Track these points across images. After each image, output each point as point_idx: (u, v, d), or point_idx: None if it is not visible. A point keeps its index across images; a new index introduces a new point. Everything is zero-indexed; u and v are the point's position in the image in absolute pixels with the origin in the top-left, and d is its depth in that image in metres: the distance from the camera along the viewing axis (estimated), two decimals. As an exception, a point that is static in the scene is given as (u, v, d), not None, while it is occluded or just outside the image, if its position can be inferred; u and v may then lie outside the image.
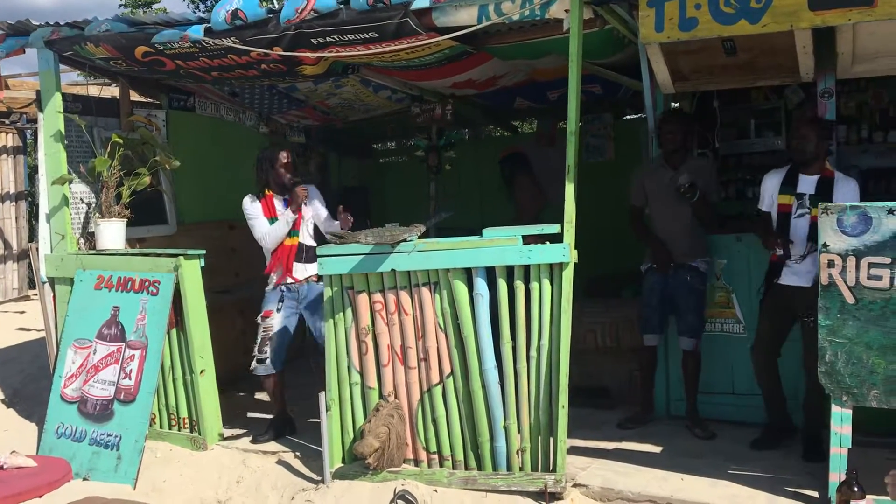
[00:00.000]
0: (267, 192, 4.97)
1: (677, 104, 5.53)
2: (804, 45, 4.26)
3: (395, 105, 6.83)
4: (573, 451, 4.22)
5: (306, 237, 4.98)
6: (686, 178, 4.59)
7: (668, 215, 4.82)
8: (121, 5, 15.82)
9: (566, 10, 3.99)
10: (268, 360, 4.85)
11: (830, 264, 3.42)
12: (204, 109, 6.46)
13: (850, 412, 3.50)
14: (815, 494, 3.71)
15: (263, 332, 4.87)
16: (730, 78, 4.82)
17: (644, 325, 4.92)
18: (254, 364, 4.88)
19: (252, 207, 4.93)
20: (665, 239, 4.82)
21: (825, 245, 3.43)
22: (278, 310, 4.90)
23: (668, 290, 4.82)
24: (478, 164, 7.82)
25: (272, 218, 4.90)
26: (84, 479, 4.60)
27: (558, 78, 5.72)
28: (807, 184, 4.25)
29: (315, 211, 5.01)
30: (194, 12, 4.62)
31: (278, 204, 4.94)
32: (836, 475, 3.51)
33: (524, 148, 7.24)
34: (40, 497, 3.03)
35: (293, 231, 4.92)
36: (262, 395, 5.96)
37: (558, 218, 3.97)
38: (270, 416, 5.11)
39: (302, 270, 4.93)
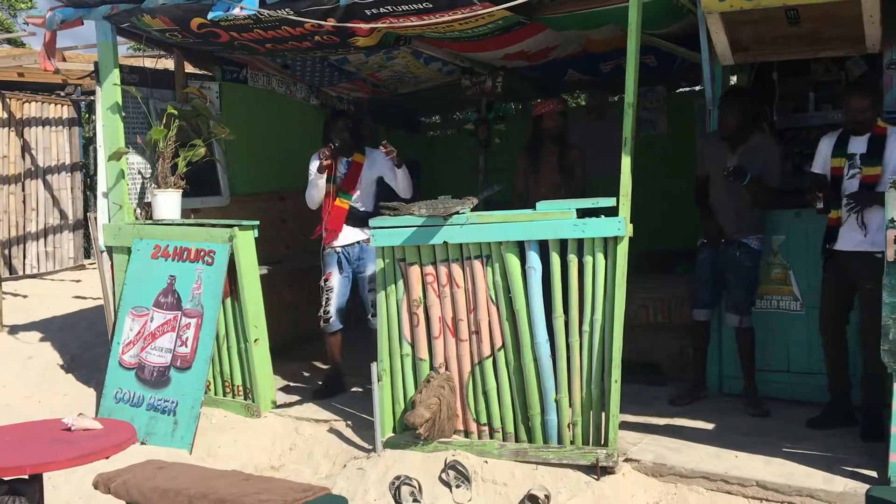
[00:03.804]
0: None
1: (735, 76, 5.39)
2: (871, 14, 4.10)
3: (445, 77, 6.79)
4: (624, 426, 4.19)
5: (359, 202, 5.15)
6: (734, 162, 4.50)
7: (721, 190, 4.75)
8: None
9: (625, -21, 3.91)
10: (332, 319, 5.16)
11: (897, 240, 3.33)
12: (256, 82, 6.49)
13: (912, 392, 3.43)
14: (874, 474, 3.64)
15: (326, 293, 5.17)
16: (792, 49, 4.67)
17: (694, 299, 4.89)
18: (322, 323, 5.20)
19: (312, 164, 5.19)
20: (718, 213, 4.77)
21: (892, 221, 3.34)
22: (339, 272, 5.19)
23: (718, 266, 4.77)
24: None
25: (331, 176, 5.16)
26: (142, 443, 4.72)
27: (612, 49, 5.63)
28: (858, 144, 4.17)
29: (378, 174, 5.16)
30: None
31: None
32: (897, 455, 3.45)
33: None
34: (107, 459, 3.11)
35: (344, 194, 5.11)
36: (312, 364, 6.05)
37: (605, 193, 3.93)
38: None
39: (350, 235, 5.13)
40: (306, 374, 5.88)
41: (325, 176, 5.09)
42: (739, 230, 4.70)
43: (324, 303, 5.17)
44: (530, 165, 5.59)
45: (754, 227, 4.72)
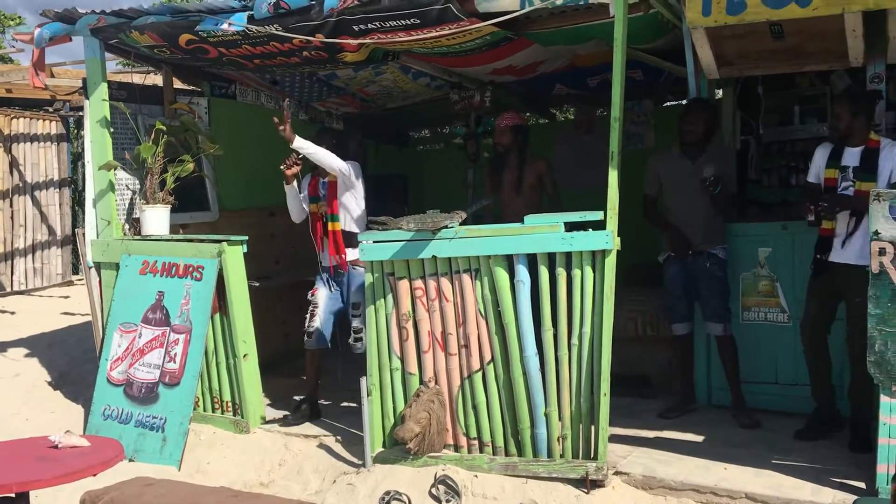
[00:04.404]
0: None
1: (720, 90, 5.45)
2: (854, 28, 4.16)
3: (433, 92, 6.83)
4: (613, 439, 4.20)
5: (348, 223, 5.01)
6: (711, 171, 4.53)
7: (685, 204, 4.76)
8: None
9: (611, -6, 3.95)
10: (314, 336, 4.98)
11: (882, 252, 3.35)
12: (245, 97, 6.52)
13: (900, 402, 3.45)
14: (862, 485, 3.66)
15: (311, 308, 5.04)
16: (776, 63, 4.73)
17: (671, 314, 4.89)
18: (305, 338, 5.04)
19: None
20: (683, 227, 4.78)
21: (876, 233, 3.37)
22: (327, 289, 5.08)
23: (689, 278, 4.78)
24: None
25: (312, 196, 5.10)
26: (130, 460, 4.69)
27: (599, 63, 5.69)
28: (851, 156, 4.17)
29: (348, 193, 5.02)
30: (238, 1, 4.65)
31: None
32: (885, 466, 3.47)
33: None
34: (94, 476, 3.09)
35: (332, 217, 4.98)
36: (302, 380, 6.02)
37: (593, 207, 3.95)
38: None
39: (338, 257, 5.01)
40: (296, 389, 5.84)
41: (292, 186, 5.03)
42: (707, 240, 4.72)
43: (308, 317, 5.04)
44: (496, 180, 5.53)
45: (720, 237, 4.75)
